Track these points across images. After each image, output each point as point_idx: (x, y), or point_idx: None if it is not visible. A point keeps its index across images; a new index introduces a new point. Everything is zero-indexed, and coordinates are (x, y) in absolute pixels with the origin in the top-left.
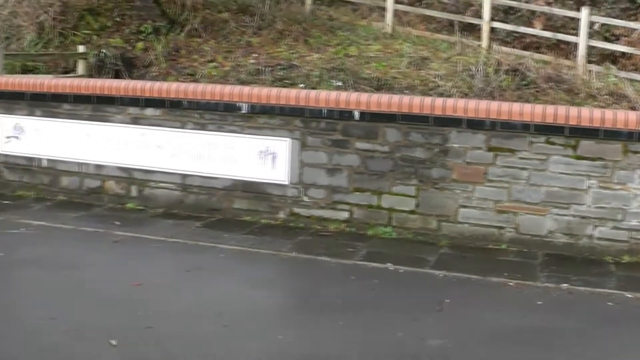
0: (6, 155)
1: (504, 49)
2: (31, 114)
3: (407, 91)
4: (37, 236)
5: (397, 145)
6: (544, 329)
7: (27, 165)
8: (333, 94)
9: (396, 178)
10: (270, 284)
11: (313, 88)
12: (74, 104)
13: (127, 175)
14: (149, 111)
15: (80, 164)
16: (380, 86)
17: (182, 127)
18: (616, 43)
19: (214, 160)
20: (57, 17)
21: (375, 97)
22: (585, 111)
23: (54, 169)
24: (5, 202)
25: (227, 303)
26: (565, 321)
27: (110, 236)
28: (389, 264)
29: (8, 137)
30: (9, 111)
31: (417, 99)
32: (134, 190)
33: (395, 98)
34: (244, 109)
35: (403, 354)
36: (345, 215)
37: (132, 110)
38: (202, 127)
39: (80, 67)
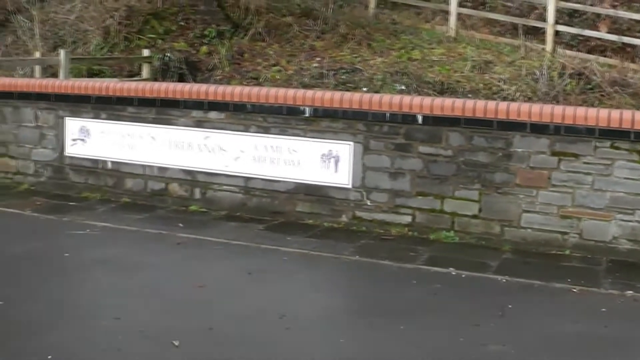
0: (72, 158)
1: (569, 52)
2: (96, 117)
3: (471, 95)
4: (102, 237)
5: (460, 150)
6: (608, 337)
7: (92, 168)
8: (396, 98)
9: (459, 182)
10: (332, 287)
11: (376, 92)
12: (139, 107)
13: (191, 178)
14: (213, 114)
15: (144, 166)
16: (443, 90)
17: (246, 131)
18: None
19: (276, 164)
20: (122, 22)
21: (438, 101)
22: None
23: (118, 171)
24: (70, 203)
25: (289, 306)
26: (630, 329)
27: (174, 238)
28: (451, 269)
29: (74, 140)
30: (75, 114)
31: (480, 103)
32: (197, 193)
33: (459, 102)
34: (307, 112)
35: (464, 359)
36: (407, 219)
37: (196, 113)
38: (266, 130)
39: (145, 71)
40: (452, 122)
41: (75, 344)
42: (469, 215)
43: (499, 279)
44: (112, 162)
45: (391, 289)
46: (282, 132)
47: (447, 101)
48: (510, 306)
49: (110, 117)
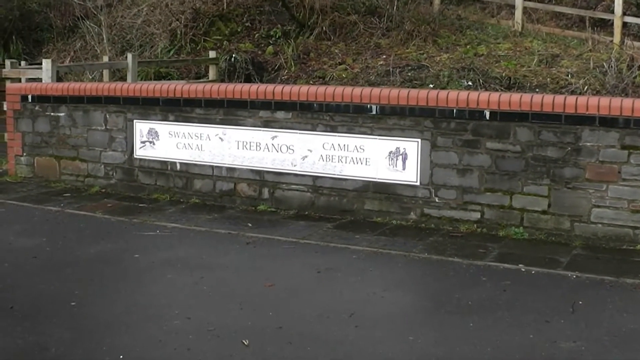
0: (141, 160)
1: (637, 44)
2: (165, 119)
3: (538, 90)
4: (172, 238)
5: (529, 145)
6: None
7: (161, 169)
8: (463, 94)
9: (528, 178)
10: (402, 285)
11: (442, 88)
12: (206, 108)
13: (259, 178)
14: (280, 114)
15: (212, 167)
16: (510, 85)
17: (313, 130)
18: None
19: (344, 162)
20: (188, 24)
21: (505, 96)
22: None
23: (187, 172)
24: (141, 205)
25: (359, 304)
26: None
27: (243, 238)
28: (521, 265)
29: (143, 142)
30: (144, 117)
31: (548, 98)
32: (265, 193)
33: (527, 97)
34: (374, 110)
35: (535, 356)
36: (476, 215)
37: (263, 113)
38: (333, 129)
39: (212, 72)
40: (520, 117)
41: (146, 343)
42: (539, 211)
43: (569, 275)
44: (181, 164)
45: (461, 286)
46: (350, 131)
47: (515, 96)
48: (580, 302)
49: (178, 119)
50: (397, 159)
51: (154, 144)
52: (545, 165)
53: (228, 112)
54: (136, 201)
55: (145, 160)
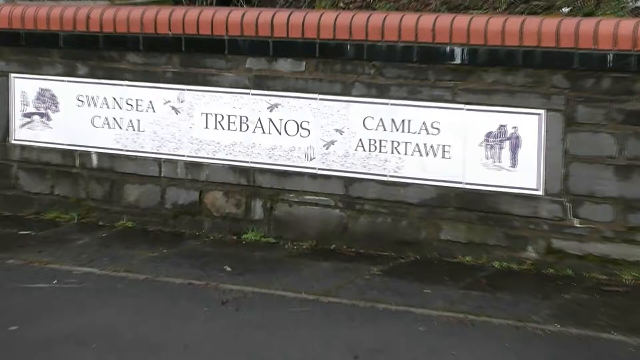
0: (23, 148)
1: None
2: (70, 72)
3: None
4: (83, 293)
5: None
6: None
7: (63, 166)
8: (627, 25)
9: None
10: None
11: (586, 15)
12: (148, 53)
13: (245, 182)
14: (285, 64)
15: (160, 162)
16: None
17: (344, 93)
18: None
19: (403, 153)
20: None
21: None
22: None
23: (111, 172)
24: (24, 231)
25: None
26: None
27: (217, 293)
28: None
29: (26, 116)
30: (30, 68)
31: None
32: (257, 209)
33: None
34: (458, 56)
35: None
36: None
37: (253, 62)
38: (381, 91)
39: None
40: None
41: None
42: None
43: None
44: (101, 156)
45: None
46: (411, 95)
47: None
48: None
49: (95, 73)
50: (500, 147)
51: (48, 118)
52: None
53: (189, 60)
54: (15, 225)
55: (30, 148)
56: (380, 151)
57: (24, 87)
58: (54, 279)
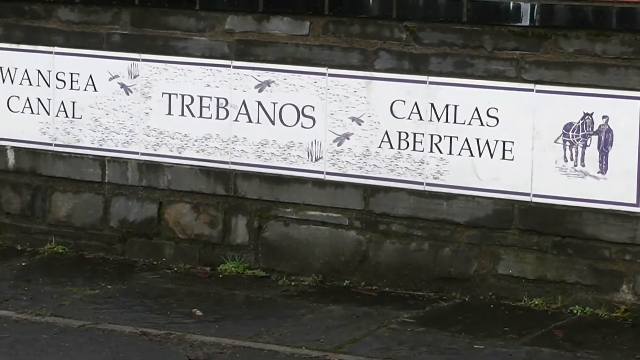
0: None
1: None
2: None
3: None
4: None
5: None
6: None
7: None
8: None
9: None
10: None
11: None
12: (87, 7)
13: (223, 191)
14: (280, 24)
15: (103, 162)
16: None
17: (364, 66)
18: None
19: (444, 151)
20: None
21: None
22: None
23: (34, 175)
24: None
25: None
26: None
27: (181, 347)
28: None
29: None
30: None
31: None
32: (239, 228)
33: None
34: (526, 15)
35: None
36: None
37: (236, 22)
38: (415, 64)
39: None
40: None
41: None
42: None
43: None
44: (19, 152)
45: None
46: (460, 70)
47: None
48: None
49: (12, 35)
50: (584, 146)
51: None
52: None
53: (143, 17)
54: None
55: None
56: (414, 149)
57: None
58: None
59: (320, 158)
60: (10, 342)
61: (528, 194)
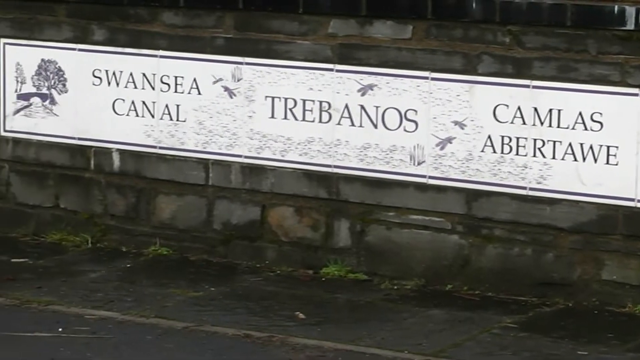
0: (16, 143)
1: None
2: (82, 37)
3: None
4: (97, 347)
5: None
6: None
7: (72, 168)
8: None
9: None
10: None
11: None
12: (191, 10)
13: (326, 194)
14: (383, 28)
15: (206, 165)
16: None
17: (467, 70)
18: None
19: (547, 156)
20: None
21: None
22: None
23: (138, 178)
24: (18, 259)
25: None
26: None
27: (283, 350)
28: None
29: (22, 98)
30: (27, 32)
31: None
32: (342, 232)
33: None
34: (632, 19)
35: None
36: None
37: (339, 25)
38: (518, 68)
39: None
40: None
41: None
42: None
43: None
44: (123, 155)
45: None
46: (564, 74)
47: None
48: None
49: (117, 38)
50: None
51: (52, 101)
52: None
53: (247, 21)
54: (4, 249)
55: (28, 143)
56: (517, 153)
57: (20, 58)
58: (57, 326)
59: (422, 162)
60: (114, 343)
61: (632, 199)
